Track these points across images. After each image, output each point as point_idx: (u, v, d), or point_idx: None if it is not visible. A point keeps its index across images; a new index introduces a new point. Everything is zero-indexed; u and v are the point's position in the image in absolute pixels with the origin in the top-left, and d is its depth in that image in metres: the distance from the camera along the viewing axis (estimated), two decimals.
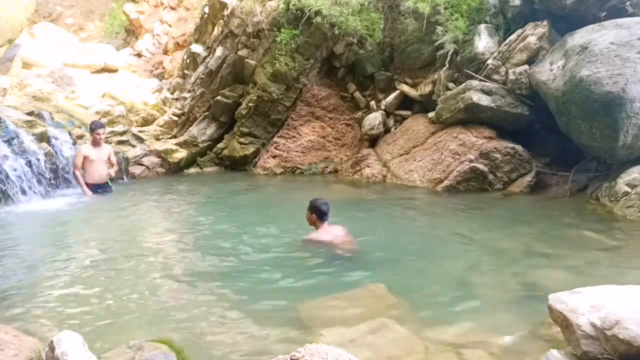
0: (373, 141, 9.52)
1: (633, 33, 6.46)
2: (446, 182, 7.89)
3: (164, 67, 12.27)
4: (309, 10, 9.03)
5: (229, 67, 9.96)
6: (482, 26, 8.28)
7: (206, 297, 3.93)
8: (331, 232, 5.13)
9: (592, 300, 2.64)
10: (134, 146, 9.36)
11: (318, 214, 5.11)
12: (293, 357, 2.34)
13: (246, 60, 9.75)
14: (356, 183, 8.77)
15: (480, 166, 7.74)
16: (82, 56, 11.49)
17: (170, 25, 13.07)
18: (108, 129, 9.38)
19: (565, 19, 7.49)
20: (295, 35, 9.31)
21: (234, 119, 10.14)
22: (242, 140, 10.00)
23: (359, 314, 3.44)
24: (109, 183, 7.90)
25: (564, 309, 2.64)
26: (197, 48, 10.61)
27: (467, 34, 8.31)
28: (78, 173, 7.66)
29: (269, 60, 9.61)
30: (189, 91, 10.37)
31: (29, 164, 7.43)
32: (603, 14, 7.15)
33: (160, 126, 10.21)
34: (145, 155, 9.35)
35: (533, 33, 7.71)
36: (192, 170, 9.94)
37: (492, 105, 7.80)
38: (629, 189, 6.32)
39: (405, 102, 9.44)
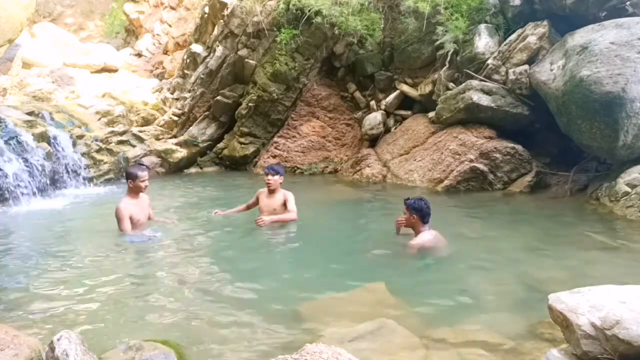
0: (373, 141, 9.53)
1: (633, 33, 6.45)
2: (446, 182, 7.89)
3: (164, 67, 12.27)
4: (309, 10, 9.03)
5: (229, 67, 9.96)
6: (482, 26, 8.28)
7: (206, 297, 3.93)
8: (435, 235, 4.81)
9: (592, 300, 2.64)
10: (134, 146, 9.37)
11: (421, 215, 4.78)
12: (293, 357, 2.34)
13: (246, 60, 9.75)
14: (356, 183, 8.77)
15: (481, 166, 7.74)
16: (82, 56, 11.49)
17: (170, 25, 13.07)
18: (108, 129, 9.40)
19: (565, 19, 7.49)
20: (295, 35, 9.31)
21: (234, 118, 10.15)
22: (242, 140, 10.01)
23: (359, 314, 3.44)
24: None
25: (564, 309, 2.64)
26: (197, 48, 10.62)
27: (467, 34, 8.31)
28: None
29: (269, 60, 9.62)
30: (189, 91, 10.37)
31: (29, 164, 7.43)
32: (603, 14, 7.14)
33: (160, 126, 10.23)
34: (146, 155, 9.36)
35: (533, 33, 7.71)
36: (192, 170, 10.00)
37: (492, 105, 7.80)
38: (629, 189, 6.32)
39: (405, 102, 9.45)
